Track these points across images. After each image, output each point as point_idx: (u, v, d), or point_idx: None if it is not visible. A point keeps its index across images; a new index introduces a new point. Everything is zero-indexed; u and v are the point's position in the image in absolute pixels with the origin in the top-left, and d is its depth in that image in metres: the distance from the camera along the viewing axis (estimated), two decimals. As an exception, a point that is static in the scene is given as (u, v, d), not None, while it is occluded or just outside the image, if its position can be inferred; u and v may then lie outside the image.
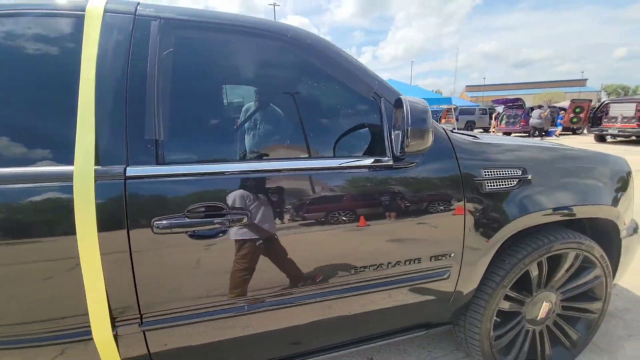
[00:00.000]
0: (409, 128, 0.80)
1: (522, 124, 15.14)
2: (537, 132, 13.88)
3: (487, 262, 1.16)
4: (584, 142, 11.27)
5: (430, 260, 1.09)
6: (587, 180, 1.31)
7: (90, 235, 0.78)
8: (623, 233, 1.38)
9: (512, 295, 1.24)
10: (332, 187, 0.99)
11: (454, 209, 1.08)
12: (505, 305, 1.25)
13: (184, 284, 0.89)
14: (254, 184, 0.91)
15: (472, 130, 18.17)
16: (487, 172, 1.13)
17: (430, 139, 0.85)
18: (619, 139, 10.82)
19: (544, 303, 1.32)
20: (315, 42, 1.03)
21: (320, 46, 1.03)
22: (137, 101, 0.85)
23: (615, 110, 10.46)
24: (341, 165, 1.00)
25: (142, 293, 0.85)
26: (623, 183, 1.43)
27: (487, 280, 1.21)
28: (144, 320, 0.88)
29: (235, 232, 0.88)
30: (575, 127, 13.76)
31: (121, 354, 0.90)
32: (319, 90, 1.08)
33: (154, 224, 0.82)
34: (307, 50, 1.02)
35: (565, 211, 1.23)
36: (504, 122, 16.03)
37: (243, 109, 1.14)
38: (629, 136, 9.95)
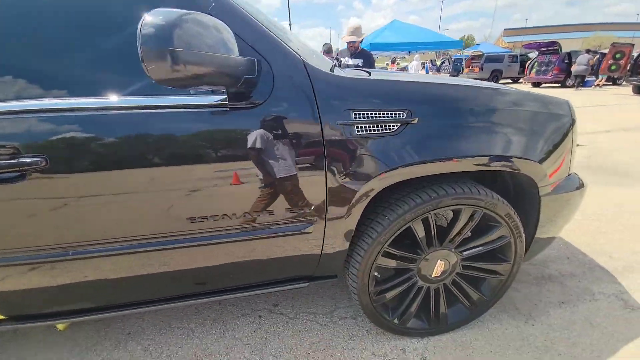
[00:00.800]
0: (140, 47, 0.63)
1: (554, 72, 13.42)
2: (576, 81, 12.21)
3: (356, 216, 1.04)
4: (620, 93, 9.98)
5: (286, 213, 0.99)
6: (500, 128, 1.09)
7: None
8: (545, 190, 1.19)
9: (395, 252, 1.15)
10: (157, 129, 0.87)
11: (311, 158, 0.94)
12: (387, 262, 1.17)
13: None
14: (52, 124, 0.80)
15: (497, 81, 16.48)
16: (359, 114, 0.96)
17: (180, 66, 0.67)
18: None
19: (439, 261, 1.22)
20: None
21: None
22: None
23: (660, 57, 8.93)
24: (163, 104, 0.86)
25: None
26: (559, 133, 1.20)
27: (364, 235, 1.12)
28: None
29: (30, 178, 0.81)
30: (614, 76, 12.03)
31: None
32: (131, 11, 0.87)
33: None
34: None
35: (455, 163, 1.04)
36: (534, 70, 14.26)
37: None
38: (672, 88, 8.60)
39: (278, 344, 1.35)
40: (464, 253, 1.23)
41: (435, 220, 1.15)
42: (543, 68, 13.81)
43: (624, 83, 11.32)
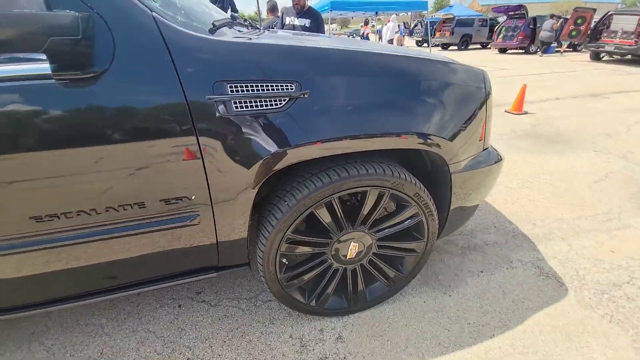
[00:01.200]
0: None
1: (520, 37, 13.49)
2: (542, 48, 12.33)
3: (248, 205, 0.94)
4: (578, 60, 10.31)
5: (162, 204, 0.87)
6: (408, 102, 0.99)
7: None
8: (455, 167, 1.15)
9: (299, 239, 1.08)
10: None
11: (180, 143, 0.80)
12: (295, 249, 1.10)
13: None
14: None
15: (467, 46, 16.35)
16: (236, 87, 0.81)
17: None
18: (615, 57, 9.85)
19: (353, 243, 1.18)
20: None
21: None
22: None
23: (617, 23, 9.10)
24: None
25: None
26: (472, 108, 1.13)
27: (265, 222, 1.03)
28: None
29: None
30: (575, 42, 12.31)
31: None
32: None
33: None
34: None
35: (353, 142, 0.94)
36: (501, 35, 14.25)
37: None
38: (625, 54, 8.95)
39: (194, 334, 1.29)
40: (378, 234, 1.19)
41: (347, 201, 1.08)
42: (510, 33, 13.79)
43: (583, 50, 11.63)
